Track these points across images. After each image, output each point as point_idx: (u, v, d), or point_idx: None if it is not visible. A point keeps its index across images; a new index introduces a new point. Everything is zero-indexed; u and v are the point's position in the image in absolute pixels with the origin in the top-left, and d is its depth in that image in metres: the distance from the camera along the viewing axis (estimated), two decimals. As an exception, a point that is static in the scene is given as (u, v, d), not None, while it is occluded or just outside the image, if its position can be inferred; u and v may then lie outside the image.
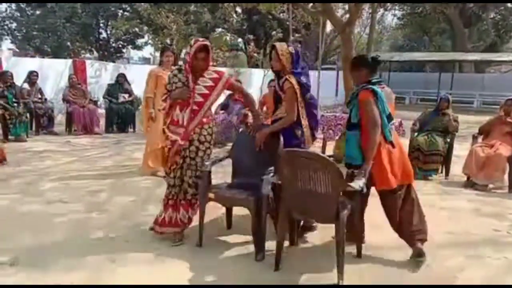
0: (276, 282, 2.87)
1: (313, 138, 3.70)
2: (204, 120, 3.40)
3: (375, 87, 3.13)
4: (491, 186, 5.40)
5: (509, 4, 24.38)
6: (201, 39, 3.45)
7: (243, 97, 3.87)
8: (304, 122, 3.52)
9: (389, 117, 3.16)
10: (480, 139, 5.89)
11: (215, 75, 3.42)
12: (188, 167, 3.39)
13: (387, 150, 3.10)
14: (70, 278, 2.82)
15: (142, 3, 17.75)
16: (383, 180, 3.08)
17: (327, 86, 16.24)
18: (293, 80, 3.41)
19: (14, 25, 21.69)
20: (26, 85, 8.65)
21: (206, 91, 3.36)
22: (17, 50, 23.67)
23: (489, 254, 3.38)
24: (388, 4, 21.55)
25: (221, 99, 8.74)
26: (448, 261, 3.25)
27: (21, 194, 4.65)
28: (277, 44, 3.51)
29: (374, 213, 3.39)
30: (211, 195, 3.35)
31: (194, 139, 3.38)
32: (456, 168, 5.86)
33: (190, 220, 3.46)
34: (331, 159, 2.94)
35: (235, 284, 2.81)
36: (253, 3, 12.01)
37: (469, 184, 5.49)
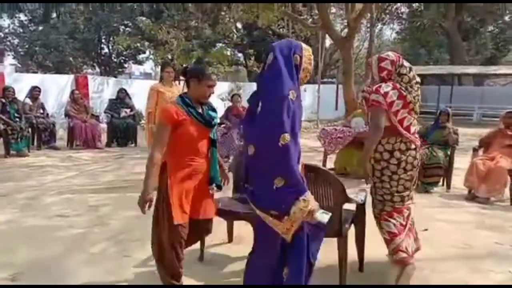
0: None
1: None
2: None
3: None
4: (492, 199, 5.39)
5: (507, 18, 24.61)
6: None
7: None
8: None
9: None
10: (480, 152, 5.90)
11: None
12: None
13: None
14: (72, 294, 2.81)
15: (144, 18, 17.96)
16: None
17: (327, 99, 16.35)
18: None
19: (16, 41, 21.95)
20: (28, 100, 8.71)
21: None
22: (19, 65, 23.89)
23: (492, 268, 3.37)
24: (386, 18, 21.78)
25: (220, 113, 8.83)
26: (450, 274, 3.24)
27: (23, 209, 4.66)
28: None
29: (375, 227, 3.39)
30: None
31: None
32: (457, 181, 5.86)
33: None
34: (332, 172, 2.95)
35: (235, 285, 2.80)
36: (253, 18, 12.12)
37: (471, 197, 5.49)
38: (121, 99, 9.70)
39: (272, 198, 2.22)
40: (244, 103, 8.55)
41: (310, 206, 2.21)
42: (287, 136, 2.15)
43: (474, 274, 3.25)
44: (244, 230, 3.72)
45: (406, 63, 3.03)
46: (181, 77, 2.95)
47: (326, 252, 3.51)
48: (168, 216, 2.62)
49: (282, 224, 2.25)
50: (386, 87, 2.89)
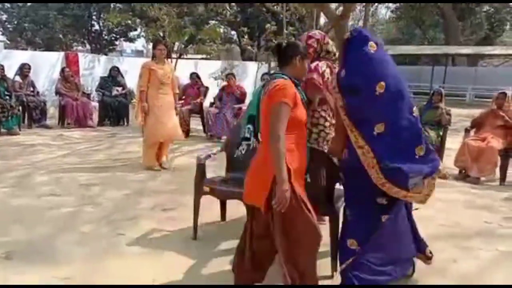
0: (271, 274, 2.88)
1: None
2: None
3: None
4: (483, 179, 5.45)
5: None
6: None
7: None
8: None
9: None
10: (472, 133, 5.93)
11: None
12: None
13: None
14: (65, 272, 2.81)
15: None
16: None
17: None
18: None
19: (4, 16, 21.47)
20: (18, 78, 8.57)
21: None
22: (8, 42, 23.43)
23: (481, 246, 3.43)
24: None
25: (216, 91, 8.76)
26: (440, 253, 3.28)
27: (13, 187, 4.63)
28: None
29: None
30: (206, 188, 3.35)
31: None
32: (449, 161, 5.90)
33: None
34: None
35: (233, 285, 2.82)
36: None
37: (461, 177, 5.54)
38: (113, 77, 9.57)
39: (419, 166, 2.47)
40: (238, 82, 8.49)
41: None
42: (415, 109, 2.55)
43: (463, 252, 3.31)
44: (236, 209, 3.72)
45: (330, 41, 3.21)
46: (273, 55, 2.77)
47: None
48: (303, 216, 2.27)
49: (423, 191, 2.57)
50: (322, 66, 3.03)
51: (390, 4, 26.91)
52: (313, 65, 3.00)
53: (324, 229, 3.34)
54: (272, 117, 2.20)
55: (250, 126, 2.57)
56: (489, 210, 4.36)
